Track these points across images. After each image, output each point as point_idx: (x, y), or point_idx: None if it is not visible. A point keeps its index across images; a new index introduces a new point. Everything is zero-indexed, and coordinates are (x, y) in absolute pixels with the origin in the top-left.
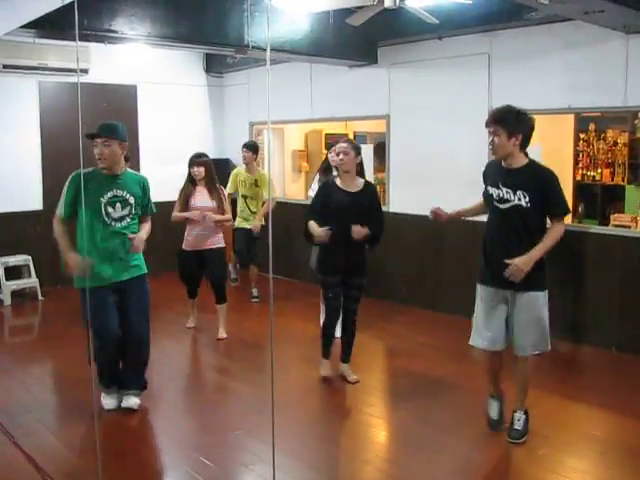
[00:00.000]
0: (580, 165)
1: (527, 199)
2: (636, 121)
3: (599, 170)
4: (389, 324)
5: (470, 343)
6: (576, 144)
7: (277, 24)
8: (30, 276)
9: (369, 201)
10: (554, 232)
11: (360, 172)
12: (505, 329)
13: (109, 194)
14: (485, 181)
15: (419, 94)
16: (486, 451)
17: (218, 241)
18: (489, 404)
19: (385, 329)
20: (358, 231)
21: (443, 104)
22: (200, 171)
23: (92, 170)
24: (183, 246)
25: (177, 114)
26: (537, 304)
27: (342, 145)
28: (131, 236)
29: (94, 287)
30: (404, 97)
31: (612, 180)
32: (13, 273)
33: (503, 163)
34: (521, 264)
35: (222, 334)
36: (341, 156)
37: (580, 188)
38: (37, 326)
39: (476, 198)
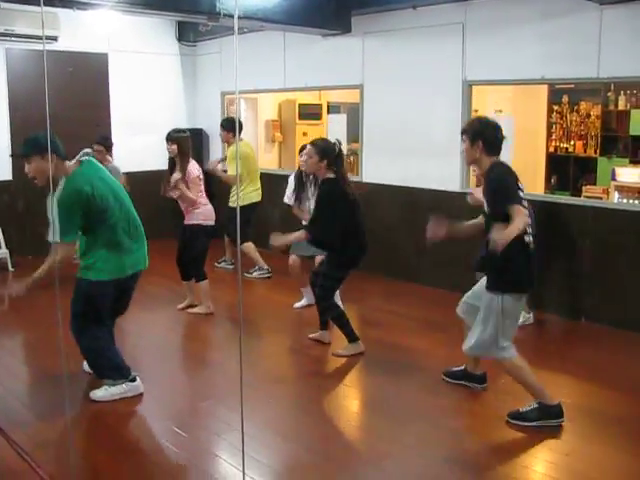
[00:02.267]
0: (553, 137)
1: (487, 206)
2: (609, 93)
3: (572, 142)
4: (363, 295)
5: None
6: (549, 116)
7: None
8: (0, 247)
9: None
10: (509, 225)
11: (336, 164)
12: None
13: None
14: None
15: (393, 64)
16: (459, 419)
17: (192, 218)
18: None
19: (359, 300)
20: (273, 239)
21: (417, 74)
22: (173, 149)
23: None
24: None
25: (149, 83)
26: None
27: (308, 147)
28: None
29: None
30: (378, 66)
31: (585, 152)
32: None
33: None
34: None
35: (193, 309)
36: (304, 157)
37: (553, 160)
38: (7, 297)
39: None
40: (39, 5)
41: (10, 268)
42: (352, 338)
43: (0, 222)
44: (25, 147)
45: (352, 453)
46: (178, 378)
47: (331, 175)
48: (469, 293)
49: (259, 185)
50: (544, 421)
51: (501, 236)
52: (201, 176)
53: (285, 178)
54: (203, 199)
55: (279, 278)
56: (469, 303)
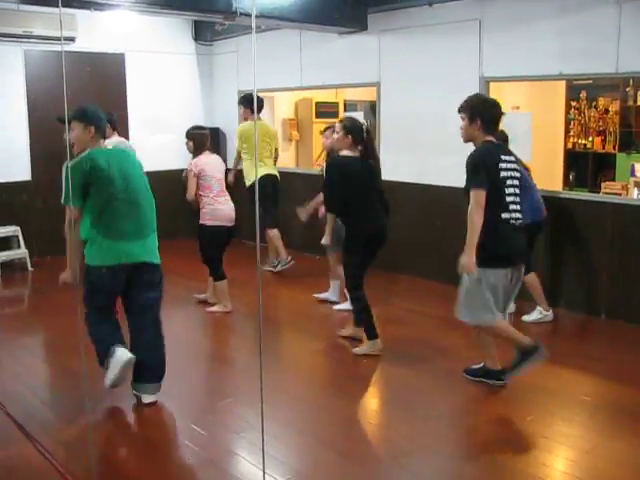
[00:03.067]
0: (571, 133)
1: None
2: (627, 89)
3: (590, 138)
4: (377, 292)
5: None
6: (567, 112)
7: None
8: (19, 247)
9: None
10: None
11: (362, 143)
12: None
13: None
14: None
15: (409, 61)
16: (478, 416)
17: (200, 217)
18: None
19: (374, 297)
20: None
21: (434, 71)
22: (189, 145)
23: None
24: None
25: (166, 83)
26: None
27: (336, 124)
28: None
29: None
30: (394, 64)
31: (603, 148)
32: (2, 244)
33: None
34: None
35: (211, 307)
36: (333, 136)
37: (571, 156)
38: (27, 297)
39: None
40: (57, 6)
41: (29, 268)
42: (371, 335)
43: (19, 222)
44: (72, 113)
45: (371, 451)
46: (197, 376)
47: (349, 153)
48: None
49: (272, 162)
50: (485, 379)
51: (465, 261)
52: (203, 173)
53: (302, 176)
54: (209, 199)
55: (301, 276)
56: None
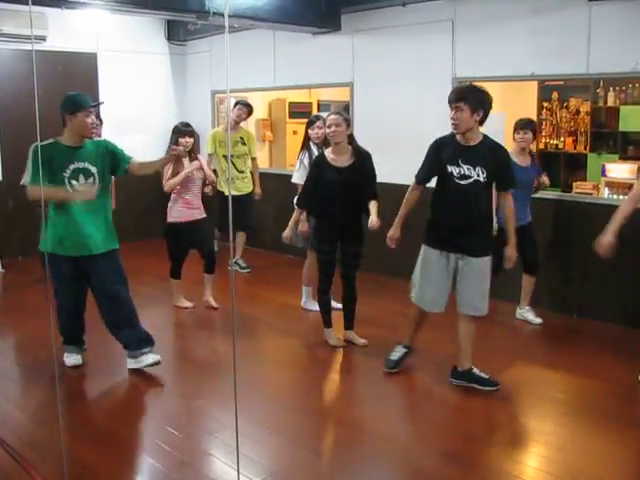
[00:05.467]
0: (543, 133)
1: (485, 175)
2: (598, 90)
3: (562, 138)
4: (361, 293)
5: (426, 310)
6: (539, 112)
7: None
8: None
9: (360, 173)
10: (512, 208)
11: (351, 142)
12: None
13: (71, 167)
14: (439, 158)
15: (383, 61)
16: (450, 415)
17: (204, 211)
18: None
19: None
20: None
21: (407, 71)
22: (190, 142)
23: (53, 142)
24: (176, 219)
25: (138, 83)
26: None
27: (333, 117)
28: None
29: (60, 255)
30: (368, 64)
31: (574, 148)
32: None
33: (460, 140)
34: (511, 254)
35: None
36: (333, 128)
37: (543, 156)
38: None
39: None
40: (27, 4)
41: (0, 269)
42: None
43: None
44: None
45: (347, 451)
46: (170, 377)
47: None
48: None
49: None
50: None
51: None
52: (183, 173)
53: (276, 177)
54: (173, 195)
55: (262, 273)
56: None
